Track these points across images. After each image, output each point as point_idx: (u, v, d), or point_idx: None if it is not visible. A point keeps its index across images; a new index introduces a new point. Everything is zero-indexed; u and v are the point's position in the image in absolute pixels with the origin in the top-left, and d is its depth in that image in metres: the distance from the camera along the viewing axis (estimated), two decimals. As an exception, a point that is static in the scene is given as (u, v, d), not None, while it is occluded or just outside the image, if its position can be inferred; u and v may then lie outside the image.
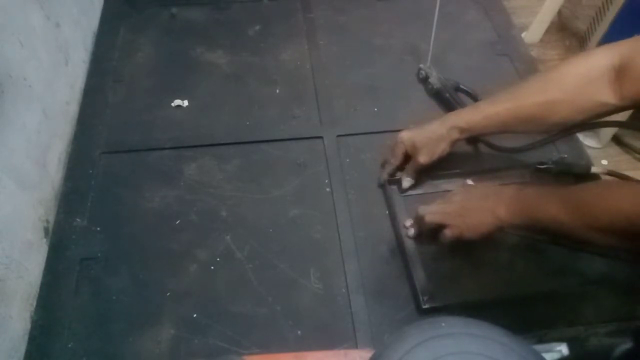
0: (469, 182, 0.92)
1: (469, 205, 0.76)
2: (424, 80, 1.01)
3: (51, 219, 0.88)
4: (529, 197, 0.69)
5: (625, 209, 0.55)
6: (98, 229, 0.87)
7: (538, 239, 0.82)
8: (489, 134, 0.90)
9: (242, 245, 0.85)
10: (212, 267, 0.83)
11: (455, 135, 0.84)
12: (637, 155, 1.26)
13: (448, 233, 0.77)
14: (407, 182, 0.90)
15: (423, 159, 0.86)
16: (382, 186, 0.93)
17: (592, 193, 0.61)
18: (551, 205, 0.64)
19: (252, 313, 0.78)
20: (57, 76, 0.97)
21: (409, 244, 0.84)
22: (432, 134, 0.86)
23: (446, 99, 0.98)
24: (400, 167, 0.91)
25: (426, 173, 0.91)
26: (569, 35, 1.55)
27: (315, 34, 1.20)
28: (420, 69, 1.00)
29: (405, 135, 0.88)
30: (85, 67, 1.11)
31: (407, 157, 0.90)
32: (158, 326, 0.76)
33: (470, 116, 0.83)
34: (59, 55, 0.99)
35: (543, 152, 0.96)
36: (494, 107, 0.81)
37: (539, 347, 0.72)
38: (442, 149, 0.86)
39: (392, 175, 0.92)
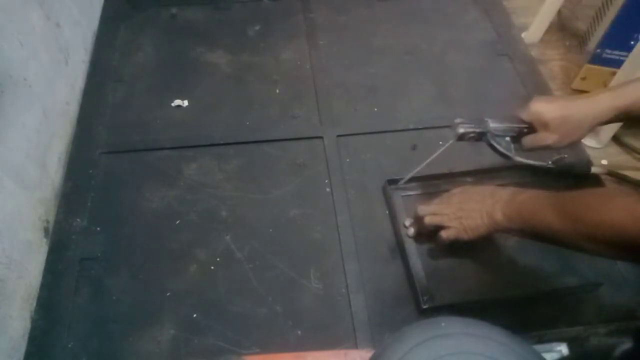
0: (469, 181, 0.92)
1: (467, 207, 0.76)
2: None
3: (51, 219, 0.88)
4: (525, 203, 0.68)
5: (619, 223, 0.54)
6: (98, 229, 0.87)
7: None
8: None
9: (242, 245, 0.85)
10: (212, 267, 0.83)
11: (608, 116, 0.69)
12: (637, 155, 1.26)
13: (444, 235, 0.77)
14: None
15: (553, 140, 0.72)
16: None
17: (586, 204, 0.60)
18: (546, 213, 0.63)
19: (252, 313, 0.78)
20: (57, 76, 0.97)
21: (409, 244, 0.84)
22: (575, 112, 0.70)
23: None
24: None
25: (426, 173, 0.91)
26: (569, 35, 1.55)
27: (315, 34, 1.20)
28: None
29: (539, 106, 0.73)
30: (85, 67, 1.11)
31: (530, 129, 0.75)
32: (158, 326, 0.76)
33: (634, 91, 0.68)
34: (59, 55, 0.99)
35: (543, 152, 0.96)
36: None
37: (539, 347, 0.72)
38: (580, 134, 0.72)
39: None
